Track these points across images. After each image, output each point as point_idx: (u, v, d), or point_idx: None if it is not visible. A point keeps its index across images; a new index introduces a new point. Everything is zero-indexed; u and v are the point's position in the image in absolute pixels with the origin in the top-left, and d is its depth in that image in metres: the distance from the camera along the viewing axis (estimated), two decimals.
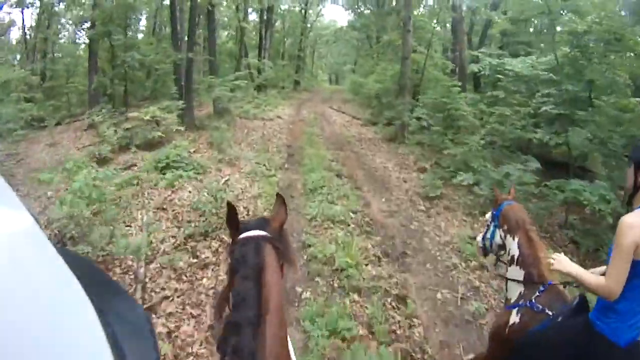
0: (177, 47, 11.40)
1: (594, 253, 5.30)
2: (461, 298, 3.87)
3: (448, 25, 15.76)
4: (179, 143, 8.77)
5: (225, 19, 22.99)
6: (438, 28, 10.53)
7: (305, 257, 4.38)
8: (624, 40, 6.27)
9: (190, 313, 3.45)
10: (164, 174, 6.86)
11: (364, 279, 3.99)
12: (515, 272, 2.05)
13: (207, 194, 5.97)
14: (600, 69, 7.00)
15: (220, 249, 4.55)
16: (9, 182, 0.49)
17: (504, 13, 15.64)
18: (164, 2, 17.88)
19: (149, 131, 9.67)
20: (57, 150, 10.21)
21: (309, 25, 29.10)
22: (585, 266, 1.77)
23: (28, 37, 18.98)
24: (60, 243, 4.17)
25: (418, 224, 5.73)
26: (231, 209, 1.19)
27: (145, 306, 3.42)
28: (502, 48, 13.49)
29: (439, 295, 3.91)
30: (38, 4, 17.93)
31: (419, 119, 9.44)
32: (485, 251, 2.46)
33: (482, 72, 10.23)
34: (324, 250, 4.39)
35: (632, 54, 7.31)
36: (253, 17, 23.58)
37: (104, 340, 0.44)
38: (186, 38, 11.78)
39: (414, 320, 3.48)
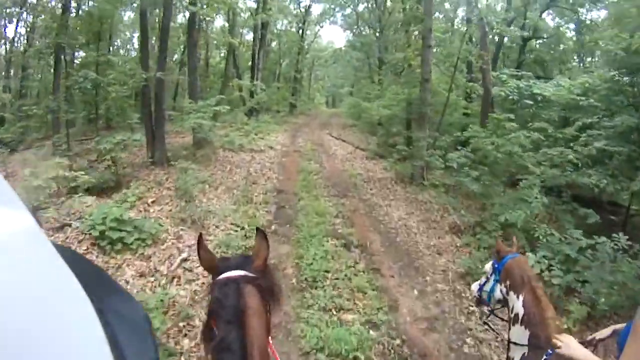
0: (146, 66, 9.45)
1: None
2: None
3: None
4: (133, 189, 6.69)
5: (215, 36, 21.32)
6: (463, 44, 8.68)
7: None
8: None
9: None
10: (97, 244, 4.76)
11: None
12: (520, 333, 1.84)
13: (154, 284, 3.93)
14: None
15: None
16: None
17: (520, 28, 14.21)
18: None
19: (102, 170, 7.63)
20: (15, 183, 8.07)
21: (306, 46, 27.68)
22: None
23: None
24: None
25: (473, 342, 3.62)
26: (201, 243, 1.14)
27: None
28: (519, 68, 11.80)
29: None
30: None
31: (445, 161, 7.41)
32: (480, 302, 2.31)
33: (510, 97, 8.50)
34: None
35: None
36: (251, 37, 21.96)
37: (103, 340, 0.43)
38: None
39: None
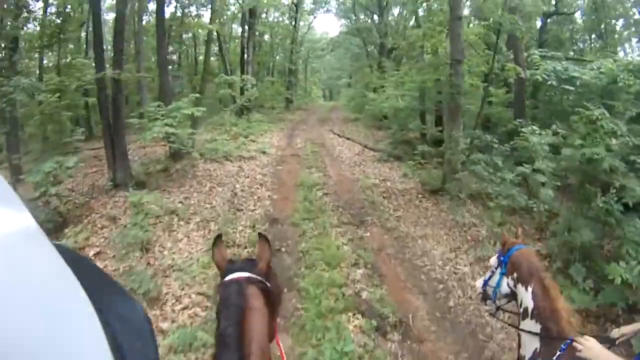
0: (102, 66, 7.42)
1: None
2: None
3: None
4: (76, 234, 4.82)
5: (200, 31, 19.07)
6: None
7: None
8: None
9: None
10: None
11: None
12: (531, 327, 1.72)
13: None
14: None
15: None
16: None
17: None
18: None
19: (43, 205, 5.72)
20: None
21: (300, 37, 25.50)
22: None
23: None
24: None
25: None
26: (219, 243, 1.21)
27: None
28: (541, 48, 9.76)
29: None
30: None
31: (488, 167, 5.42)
32: (485, 298, 2.11)
33: (549, 82, 6.59)
34: None
35: None
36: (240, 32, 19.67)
37: (103, 340, 0.43)
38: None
39: None
